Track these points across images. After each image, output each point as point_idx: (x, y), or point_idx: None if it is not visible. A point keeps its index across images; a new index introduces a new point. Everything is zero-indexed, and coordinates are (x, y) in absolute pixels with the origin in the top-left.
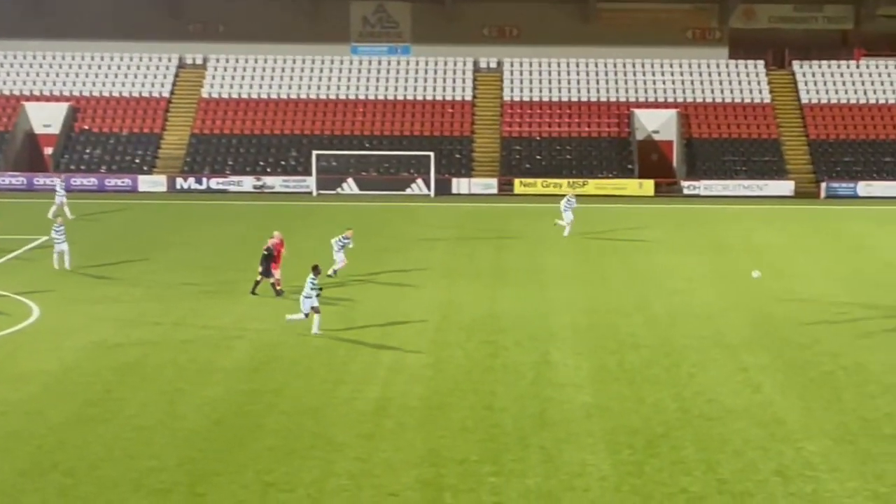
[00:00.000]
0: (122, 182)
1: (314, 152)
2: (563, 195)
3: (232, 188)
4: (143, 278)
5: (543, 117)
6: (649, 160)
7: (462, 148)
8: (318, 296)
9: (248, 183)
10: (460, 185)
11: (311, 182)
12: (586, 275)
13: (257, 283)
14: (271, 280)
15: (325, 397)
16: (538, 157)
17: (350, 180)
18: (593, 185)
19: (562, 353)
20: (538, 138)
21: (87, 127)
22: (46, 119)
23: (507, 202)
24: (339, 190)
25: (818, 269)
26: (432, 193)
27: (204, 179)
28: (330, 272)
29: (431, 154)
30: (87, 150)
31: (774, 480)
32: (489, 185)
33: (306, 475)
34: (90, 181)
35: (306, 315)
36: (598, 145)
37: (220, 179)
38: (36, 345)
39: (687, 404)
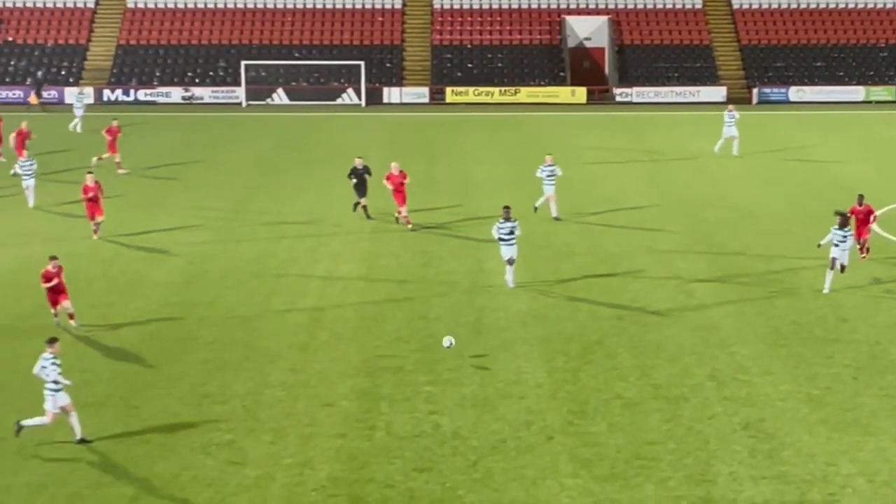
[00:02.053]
0: (49, 94)
1: (243, 62)
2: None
3: (160, 100)
4: (71, 192)
5: (475, 25)
6: (581, 67)
7: (392, 57)
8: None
9: (176, 94)
10: (391, 94)
11: (240, 93)
12: (519, 184)
13: (357, 204)
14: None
15: (259, 309)
16: (469, 65)
17: (280, 91)
18: (525, 94)
19: (496, 261)
20: (469, 46)
21: (11, 38)
22: None
23: (438, 111)
24: (268, 101)
25: (750, 175)
26: (363, 103)
27: (131, 91)
28: (537, 204)
29: (362, 63)
30: (13, 62)
31: (709, 385)
32: (420, 94)
33: (241, 387)
34: (15, 94)
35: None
36: (529, 53)
37: (148, 91)
38: None
39: (621, 311)
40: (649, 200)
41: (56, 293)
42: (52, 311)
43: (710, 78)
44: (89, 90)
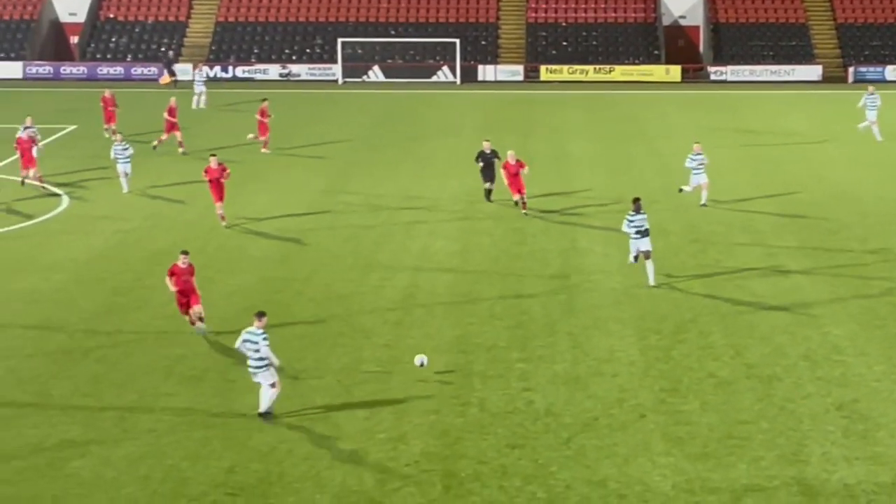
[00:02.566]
0: (148, 71)
1: (339, 39)
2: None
3: (258, 76)
4: (169, 168)
5: (570, 2)
6: (676, 46)
7: (487, 34)
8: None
9: (273, 71)
10: (486, 72)
11: (336, 70)
12: (612, 162)
13: (489, 192)
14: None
15: (354, 285)
16: (564, 43)
17: (376, 68)
18: (620, 72)
19: (589, 240)
20: (564, 24)
21: (112, 15)
22: (72, 7)
23: (533, 89)
24: (364, 78)
25: (845, 155)
26: (458, 81)
27: (230, 68)
28: (687, 189)
29: (457, 41)
30: (113, 39)
31: (802, 365)
32: (515, 71)
33: (336, 362)
34: (116, 70)
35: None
36: (624, 31)
37: (246, 68)
38: (65, 234)
39: (715, 290)
40: (744, 179)
41: (185, 295)
42: (185, 316)
43: (806, 56)
44: (206, 68)
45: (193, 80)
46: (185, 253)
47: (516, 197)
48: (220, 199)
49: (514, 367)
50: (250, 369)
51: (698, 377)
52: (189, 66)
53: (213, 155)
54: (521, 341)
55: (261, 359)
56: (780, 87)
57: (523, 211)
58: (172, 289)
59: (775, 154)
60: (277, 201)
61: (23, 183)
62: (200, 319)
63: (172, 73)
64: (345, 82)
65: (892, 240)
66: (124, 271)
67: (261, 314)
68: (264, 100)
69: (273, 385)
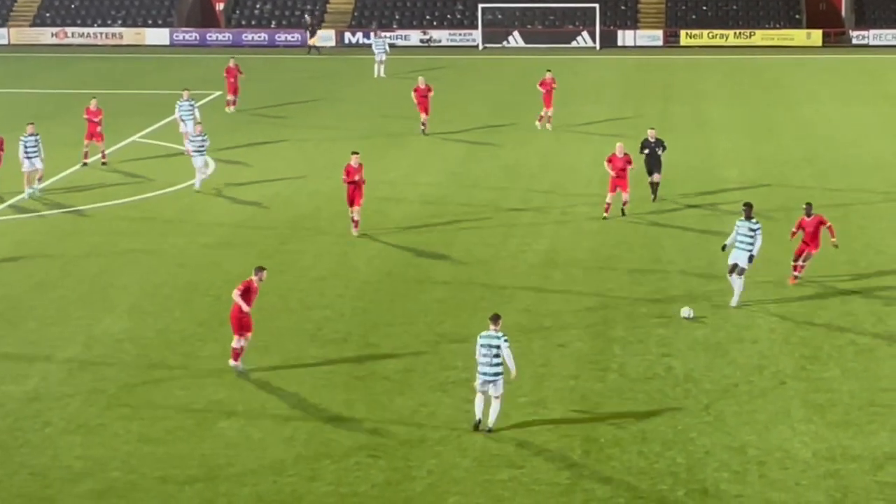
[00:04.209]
0: (292, 37)
1: (480, 5)
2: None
3: (399, 42)
4: (313, 133)
5: None
6: (817, 9)
7: None
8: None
9: (414, 37)
10: (625, 37)
11: (476, 35)
12: (753, 127)
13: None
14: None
15: (494, 250)
16: (704, 7)
17: (515, 33)
18: (760, 36)
19: (729, 204)
20: None
21: None
22: None
23: (672, 54)
24: (504, 43)
25: None
26: (598, 46)
27: (371, 34)
28: None
29: (596, 6)
30: (258, 6)
31: None
32: (655, 37)
33: (476, 326)
34: (261, 37)
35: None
36: None
37: (387, 34)
38: (211, 198)
39: (856, 257)
40: (886, 144)
41: (243, 322)
42: (237, 343)
43: None
44: (385, 35)
45: (373, 48)
46: (261, 269)
47: (615, 197)
48: (357, 202)
49: (654, 332)
50: (483, 377)
51: (839, 344)
52: (332, 31)
53: (356, 153)
54: (660, 307)
55: (498, 365)
56: None
57: (622, 216)
58: (246, 308)
59: None
60: (417, 167)
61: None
62: (236, 354)
63: (314, 36)
64: (485, 48)
65: None
66: (269, 235)
67: (496, 317)
68: (549, 70)
69: (498, 397)
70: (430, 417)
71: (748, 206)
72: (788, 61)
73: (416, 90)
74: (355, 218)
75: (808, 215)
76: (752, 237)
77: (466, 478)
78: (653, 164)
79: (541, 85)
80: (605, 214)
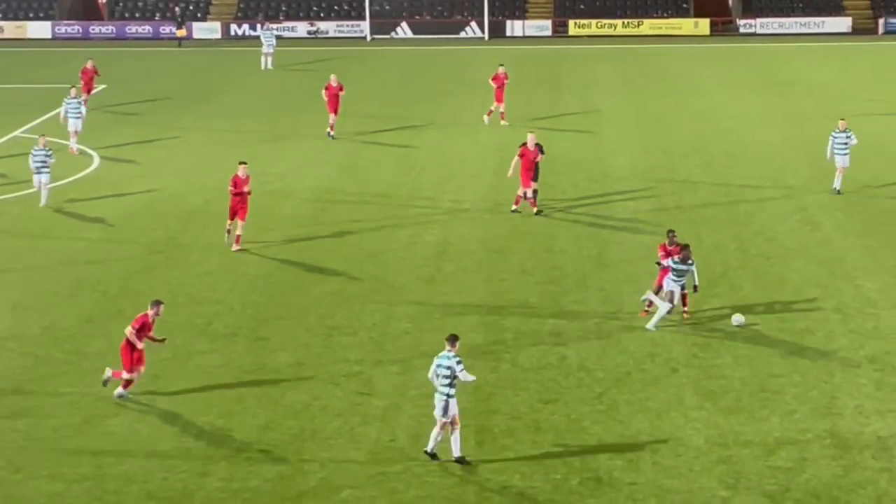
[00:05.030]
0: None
1: None
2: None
3: (286, 34)
4: (201, 126)
5: None
6: None
7: None
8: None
9: (301, 29)
10: (514, 27)
11: (364, 26)
12: (642, 116)
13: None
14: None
15: (385, 242)
16: None
17: (404, 24)
18: (648, 26)
19: (619, 194)
20: None
21: None
22: None
23: (561, 44)
24: (392, 34)
25: (877, 108)
26: (486, 36)
27: (258, 26)
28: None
29: None
30: None
31: (834, 318)
32: (543, 26)
33: (368, 319)
34: (145, 29)
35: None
36: None
37: (275, 25)
38: (97, 193)
39: (746, 244)
40: (773, 133)
41: (135, 357)
42: (127, 376)
43: (835, 8)
44: (273, 27)
45: (261, 40)
46: (159, 303)
47: (525, 191)
48: (241, 215)
49: (547, 322)
50: (441, 397)
51: (730, 331)
52: (217, 24)
53: (243, 163)
54: (552, 296)
55: (453, 386)
56: (809, 40)
57: (534, 209)
58: (139, 346)
59: (805, 107)
60: (306, 159)
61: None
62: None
63: (180, 27)
64: (373, 39)
65: None
66: (157, 229)
67: (453, 338)
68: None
69: (453, 422)
70: (322, 411)
71: (683, 248)
72: (676, 50)
73: (327, 88)
74: (238, 232)
75: (672, 244)
76: (683, 273)
77: (360, 471)
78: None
79: (493, 80)
80: (514, 207)
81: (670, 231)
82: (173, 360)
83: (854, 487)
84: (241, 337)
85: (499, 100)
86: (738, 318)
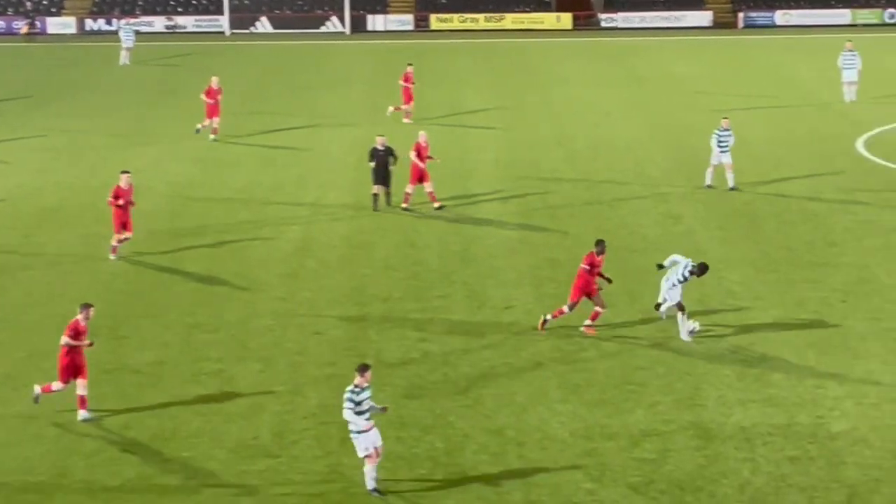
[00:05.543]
0: (17, 25)
1: None
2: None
3: (143, 29)
4: (57, 123)
5: None
6: None
7: None
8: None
9: (159, 23)
10: (375, 21)
11: (223, 21)
12: (506, 110)
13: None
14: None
15: (247, 238)
16: None
17: (263, 18)
18: (510, 20)
19: (484, 188)
20: None
21: None
22: None
23: (423, 38)
24: (252, 29)
25: (736, 101)
26: (348, 31)
27: (114, 20)
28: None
29: None
30: None
31: (697, 310)
32: (405, 21)
33: (230, 315)
34: None
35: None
36: None
37: (131, 20)
38: None
39: (609, 237)
40: (635, 127)
41: (76, 364)
42: (81, 390)
43: (696, 2)
44: (132, 21)
45: (119, 35)
46: (88, 305)
47: (423, 186)
48: (129, 227)
49: (411, 317)
50: (357, 431)
51: (596, 324)
52: (72, 19)
53: (126, 172)
54: (416, 291)
55: (366, 412)
56: (670, 34)
57: (435, 205)
58: (86, 344)
59: (665, 101)
60: (165, 155)
61: None
62: (82, 402)
63: (32, 24)
64: (232, 34)
65: (782, 183)
66: (13, 227)
67: (364, 367)
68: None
69: (379, 450)
70: (182, 410)
71: (703, 266)
72: (539, 45)
73: (208, 91)
74: (115, 244)
75: (601, 253)
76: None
77: (222, 469)
78: (382, 176)
79: (404, 80)
80: (404, 205)
81: (600, 240)
82: (30, 359)
83: (717, 477)
84: (99, 335)
85: (407, 99)
86: (691, 325)
